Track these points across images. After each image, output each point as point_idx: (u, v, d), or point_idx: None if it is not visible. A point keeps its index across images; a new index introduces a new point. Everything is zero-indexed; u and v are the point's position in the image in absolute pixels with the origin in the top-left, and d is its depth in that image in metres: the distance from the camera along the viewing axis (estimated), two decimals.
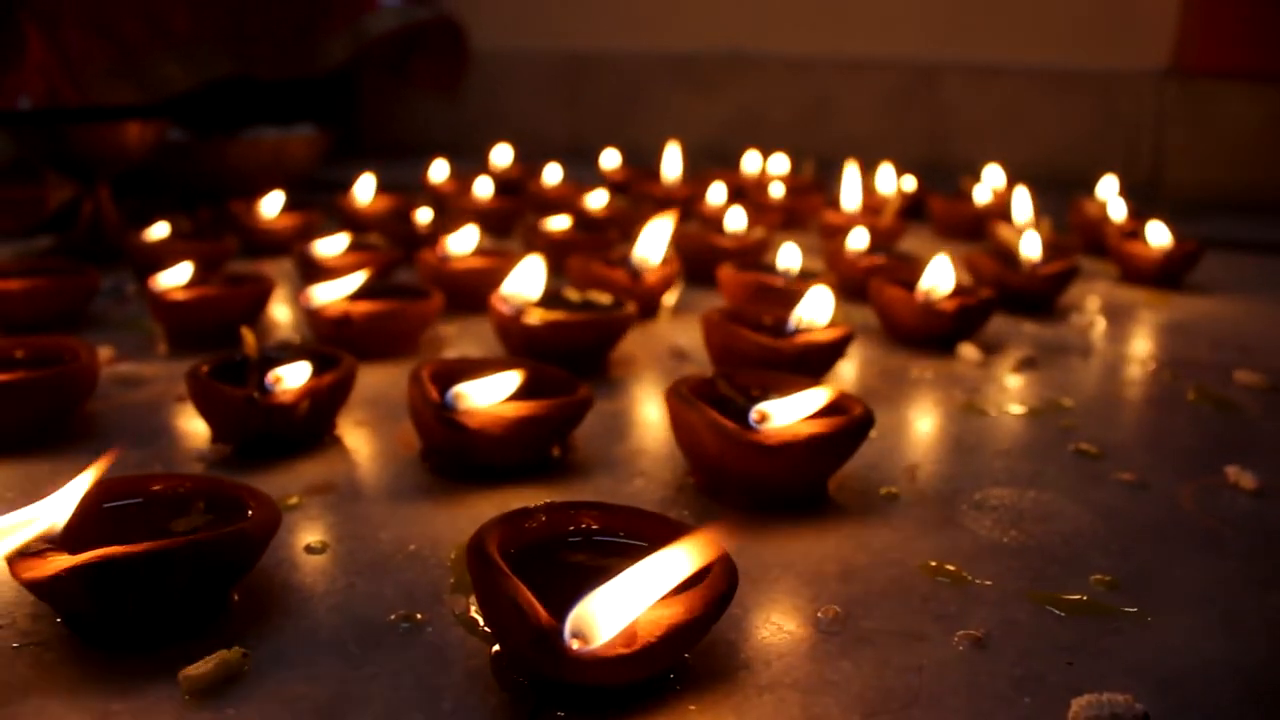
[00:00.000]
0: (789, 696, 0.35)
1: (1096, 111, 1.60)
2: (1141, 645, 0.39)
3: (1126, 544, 0.47)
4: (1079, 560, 0.45)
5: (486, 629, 0.38)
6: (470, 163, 1.45)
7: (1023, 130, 1.64)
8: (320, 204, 1.15)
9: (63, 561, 0.35)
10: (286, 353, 0.59)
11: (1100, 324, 0.86)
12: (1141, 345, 0.81)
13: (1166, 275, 0.99)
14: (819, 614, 0.40)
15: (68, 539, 0.37)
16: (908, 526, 0.48)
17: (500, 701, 0.34)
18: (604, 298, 0.71)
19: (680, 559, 0.34)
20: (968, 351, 0.74)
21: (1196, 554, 0.46)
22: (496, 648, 0.36)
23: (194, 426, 0.58)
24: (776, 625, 0.39)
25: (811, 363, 0.62)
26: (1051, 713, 0.34)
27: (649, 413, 0.62)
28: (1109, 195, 1.21)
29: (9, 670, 0.35)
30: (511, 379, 0.51)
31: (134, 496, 0.41)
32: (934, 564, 0.45)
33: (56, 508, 0.37)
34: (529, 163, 1.49)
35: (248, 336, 0.57)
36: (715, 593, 0.34)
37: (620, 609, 0.32)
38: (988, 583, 0.43)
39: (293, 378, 0.53)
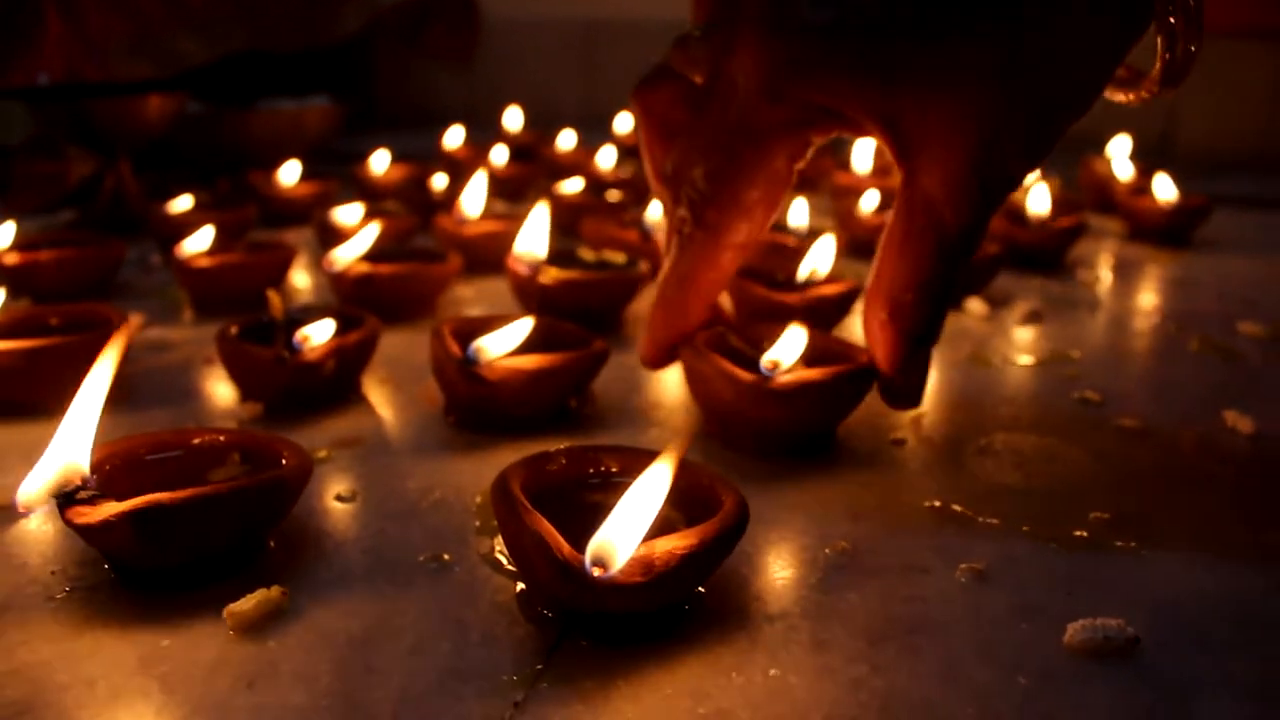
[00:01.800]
0: (798, 624, 0.37)
1: None
2: (1137, 577, 0.41)
3: (1126, 485, 0.49)
4: (1079, 500, 0.47)
5: (511, 567, 0.40)
6: (485, 130, 1.46)
7: None
8: (337, 174, 1.17)
9: (113, 508, 0.37)
10: (311, 314, 0.61)
11: (1107, 279, 0.87)
12: (1148, 299, 0.82)
13: (1174, 231, 1.00)
14: (827, 550, 0.42)
15: (114, 487, 0.39)
16: (914, 470, 0.50)
17: (526, 633, 0.36)
18: (618, 256, 0.73)
19: (662, 473, 0.37)
20: (975, 306, 0.75)
21: (1193, 494, 0.48)
22: (521, 584, 0.38)
23: (222, 387, 0.60)
24: (786, 560, 0.41)
25: (820, 315, 0.64)
26: (1048, 638, 0.36)
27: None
28: (1119, 155, 1.22)
29: (62, 612, 0.38)
30: (524, 324, 0.53)
31: (175, 449, 0.43)
32: (939, 504, 0.46)
33: (76, 438, 0.39)
34: (543, 129, 1.51)
35: (274, 299, 0.59)
36: (727, 525, 0.35)
37: (631, 533, 0.34)
38: (991, 521, 0.45)
39: (319, 337, 0.55)
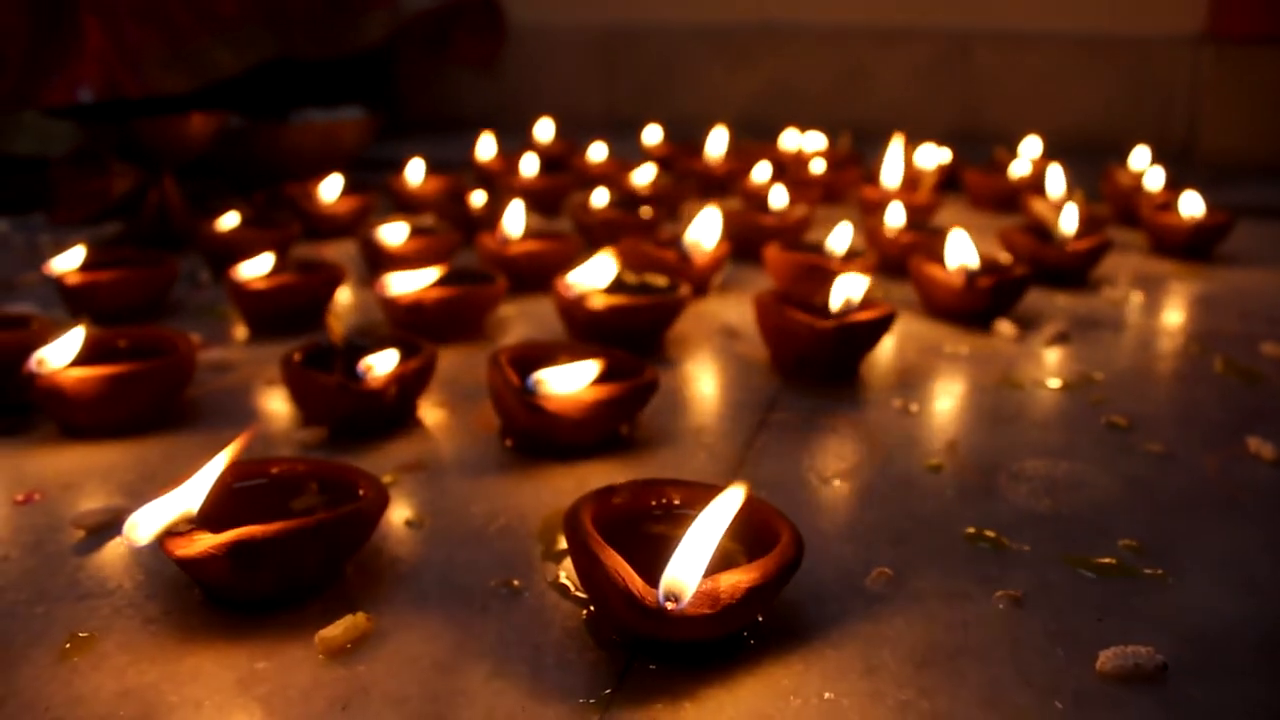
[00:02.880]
0: (850, 648, 0.39)
1: (1130, 78, 1.62)
2: (1165, 604, 0.43)
3: (1153, 512, 0.51)
4: (1108, 527, 0.49)
5: (577, 593, 0.43)
6: (510, 137, 1.49)
7: (1056, 98, 1.66)
8: (370, 183, 1.20)
9: (210, 540, 0.39)
10: (369, 340, 0.63)
11: (1132, 297, 0.89)
12: (1172, 318, 0.84)
13: (1197, 246, 1.02)
14: (873, 576, 0.44)
15: (206, 518, 0.42)
16: (950, 496, 0.53)
17: (596, 657, 0.39)
18: (659, 279, 0.76)
19: (722, 509, 0.39)
20: (1004, 327, 0.77)
21: (1218, 521, 0.50)
22: (591, 609, 0.41)
23: (282, 409, 0.63)
24: (835, 586, 0.44)
25: (857, 341, 0.67)
26: (1081, 663, 0.39)
27: (707, 390, 0.67)
28: (1142, 165, 1.24)
29: (161, 635, 0.40)
30: (590, 368, 0.55)
31: (258, 478, 0.46)
32: (974, 530, 0.49)
33: (194, 491, 0.42)
34: (568, 138, 1.53)
35: (334, 325, 0.62)
36: (785, 560, 0.38)
37: (697, 567, 0.37)
38: (1025, 548, 0.47)
39: (382, 364, 0.58)
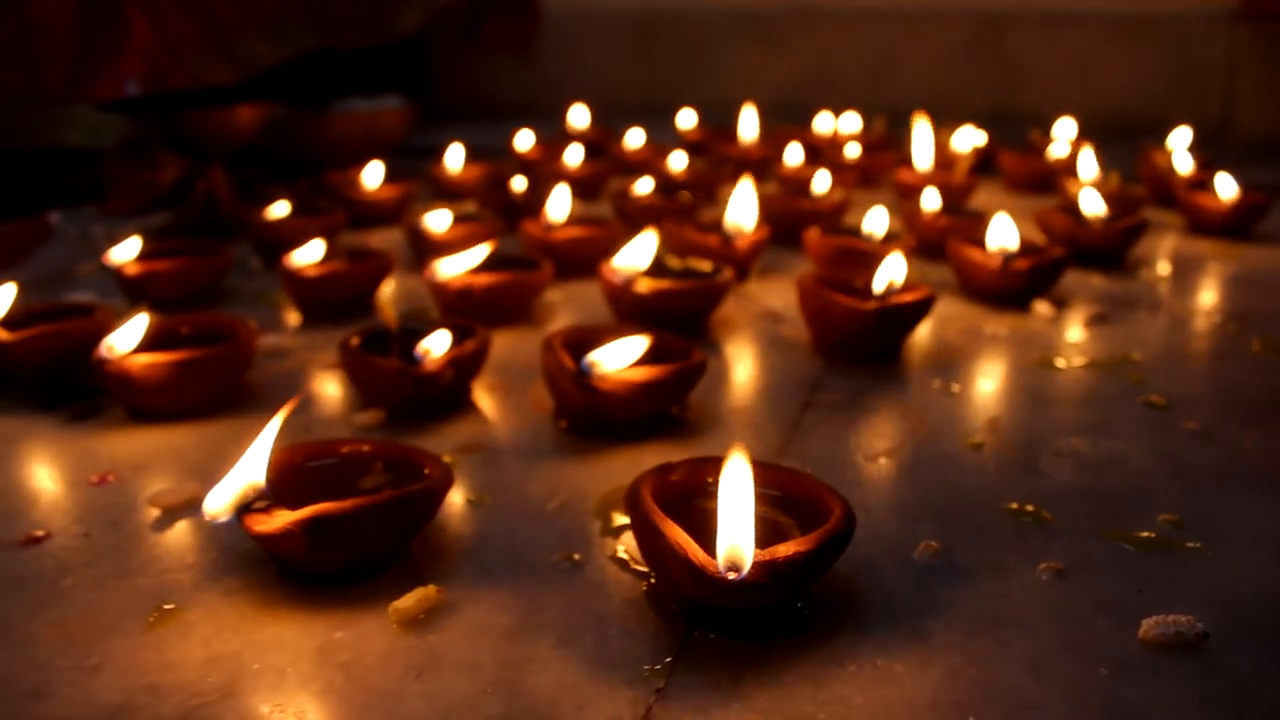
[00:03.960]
0: (900, 618, 0.41)
1: (1166, 57, 1.61)
2: (1204, 576, 0.44)
3: (1191, 487, 0.52)
4: (1148, 502, 0.51)
5: (637, 567, 0.44)
6: (544, 123, 1.50)
7: (1092, 78, 1.66)
8: (409, 170, 1.22)
9: (287, 517, 0.41)
10: (422, 324, 0.65)
11: (1168, 277, 0.90)
12: (1208, 298, 0.85)
13: (1234, 226, 1.03)
14: (920, 549, 0.46)
15: (281, 495, 0.44)
16: (993, 472, 0.54)
17: (657, 626, 0.41)
18: (703, 264, 0.77)
19: (736, 477, 0.41)
20: (1041, 308, 0.79)
21: (1255, 496, 0.52)
22: (651, 581, 0.43)
23: (338, 392, 0.65)
24: (884, 559, 0.46)
25: (899, 322, 0.68)
26: (1124, 632, 0.40)
27: (752, 371, 0.69)
28: (1179, 146, 1.25)
29: (241, 606, 0.43)
30: (639, 343, 0.57)
31: (328, 458, 0.48)
32: (1016, 506, 0.50)
33: (256, 462, 0.44)
34: (603, 123, 1.55)
35: (388, 311, 0.64)
36: (837, 531, 0.40)
37: (750, 537, 0.38)
38: (1066, 522, 0.49)
39: (438, 348, 0.60)
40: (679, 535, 0.38)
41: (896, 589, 0.43)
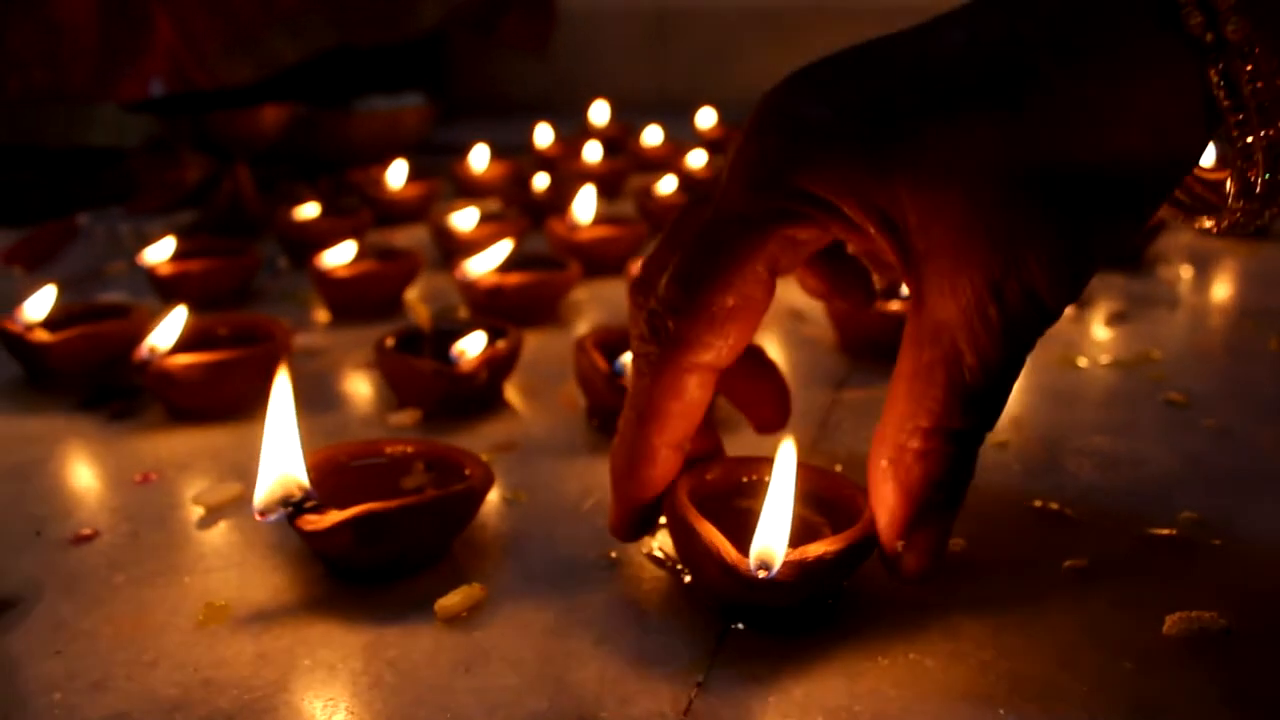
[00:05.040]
0: (931, 613, 0.42)
1: None
2: (1226, 573, 0.46)
3: (1211, 485, 0.53)
4: (1169, 500, 0.52)
5: (675, 565, 0.46)
6: (562, 119, 1.51)
7: None
8: (430, 166, 1.23)
9: (336, 516, 0.43)
10: (454, 324, 0.67)
11: (1187, 275, 0.91)
12: (1227, 295, 0.86)
13: None
14: (949, 546, 0.47)
15: (326, 494, 0.46)
16: (1017, 471, 0.55)
17: (695, 623, 0.42)
18: None
19: (784, 472, 0.42)
20: None
21: (1275, 494, 0.53)
22: (688, 579, 0.44)
23: (369, 392, 0.67)
24: None
25: None
26: (1148, 628, 0.41)
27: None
28: None
29: (290, 604, 0.44)
30: None
31: (370, 458, 0.50)
32: (1040, 504, 0.52)
33: (290, 456, 0.45)
34: (619, 119, 1.56)
35: (420, 311, 0.66)
36: (867, 531, 0.41)
37: (783, 536, 0.40)
38: (1090, 520, 0.50)
39: (473, 349, 0.61)
40: (713, 534, 0.40)
41: (926, 586, 0.44)
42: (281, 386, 0.47)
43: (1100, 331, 0.76)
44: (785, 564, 0.39)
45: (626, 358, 0.57)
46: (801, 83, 0.39)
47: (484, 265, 0.76)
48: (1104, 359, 0.71)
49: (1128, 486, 0.53)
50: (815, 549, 0.40)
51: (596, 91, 1.66)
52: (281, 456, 0.45)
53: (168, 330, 0.63)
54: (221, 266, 0.85)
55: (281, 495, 0.44)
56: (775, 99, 0.39)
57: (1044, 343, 0.68)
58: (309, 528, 0.43)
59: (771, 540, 0.40)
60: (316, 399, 0.66)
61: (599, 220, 0.93)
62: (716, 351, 0.40)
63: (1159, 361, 0.70)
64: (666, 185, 1.08)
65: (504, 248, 0.78)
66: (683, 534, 0.41)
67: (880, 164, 0.35)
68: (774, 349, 0.73)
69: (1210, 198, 0.40)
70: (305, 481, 0.45)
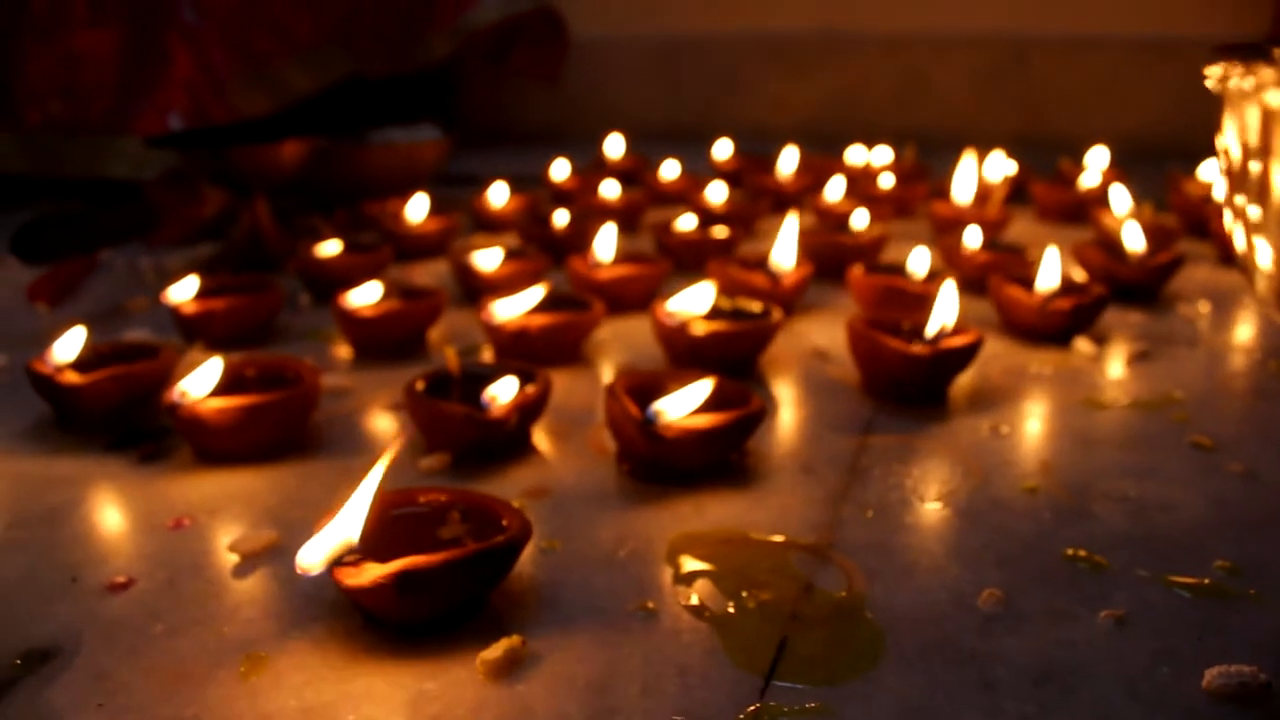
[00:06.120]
0: (969, 665, 0.42)
1: (1193, 81, 1.62)
2: (1262, 624, 0.46)
3: (1241, 532, 0.54)
4: (1201, 547, 0.52)
5: (711, 616, 0.46)
6: (574, 150, 1.52)
7: (1117, 102, 1.67)
8: (444, 198, 1.23)
9: (377, 570, 0.43)
10: (483, 368, 0.67)
11: (1206, 312, 0.91)
12: (1245, 333, 0.86)
13: None
14: (984, 596, 0.47)
15: (364, 545, 0.46)
16: (1048, 518, 0.55)
17: (736, 675, 0.42)
18: (752, 304, 0.79)
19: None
20: (1083, 346, 0.80)
21: None
22: (720, 637, 0.45)
23: (397, 434, 0.67)
24: (948, 608, 0.47)
25: (949, 366, 0.70)
26: (1187, 681, 0.42)
27: (804, 412, 0.70)
28: (1209, 174, 1.26)
29: (331, 655, 0.44)
30: (704, 387, 0.59)
31: (408, 507, 0.50)
32: (1072, 552, 0.52)
33: (353, 518, 0.46)
34: (632, 149, 1.56)
35: (451, 355, 0.66)
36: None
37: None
38: (1123, 568, 0.50)
39: (504, 393, 0.61)
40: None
41: (963, 637, 0.45)
42: (379, 466, 0.47)
43: (1121, 371, 0.77)
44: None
45: (659, 405, 0.57)
46: None
47: (512, 310, 0.77)
48: (1127, 400, 0.71)
49: (1158, 533, 0.54)
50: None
51: (608, 120, 1.67)
52: (353, 522, 0.45)
53: (202, 379, 0.64)
54: (245, 304, 0.86)
55: (335, 556, 0.44)
56: None
57: (1066, 383, 0.68)
58: (349, 582, 0.43)
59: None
60: (347, 441, 0.66)
61: (619, 257, 0.94)
62: None
63: (1181, 402, 0.71)
64: (686, 222, 1.08)
65: (535, 294, 0.78)
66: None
67: None
68: (799, 391, 0.74)
69: None
70: (356, 542, 0.45)
